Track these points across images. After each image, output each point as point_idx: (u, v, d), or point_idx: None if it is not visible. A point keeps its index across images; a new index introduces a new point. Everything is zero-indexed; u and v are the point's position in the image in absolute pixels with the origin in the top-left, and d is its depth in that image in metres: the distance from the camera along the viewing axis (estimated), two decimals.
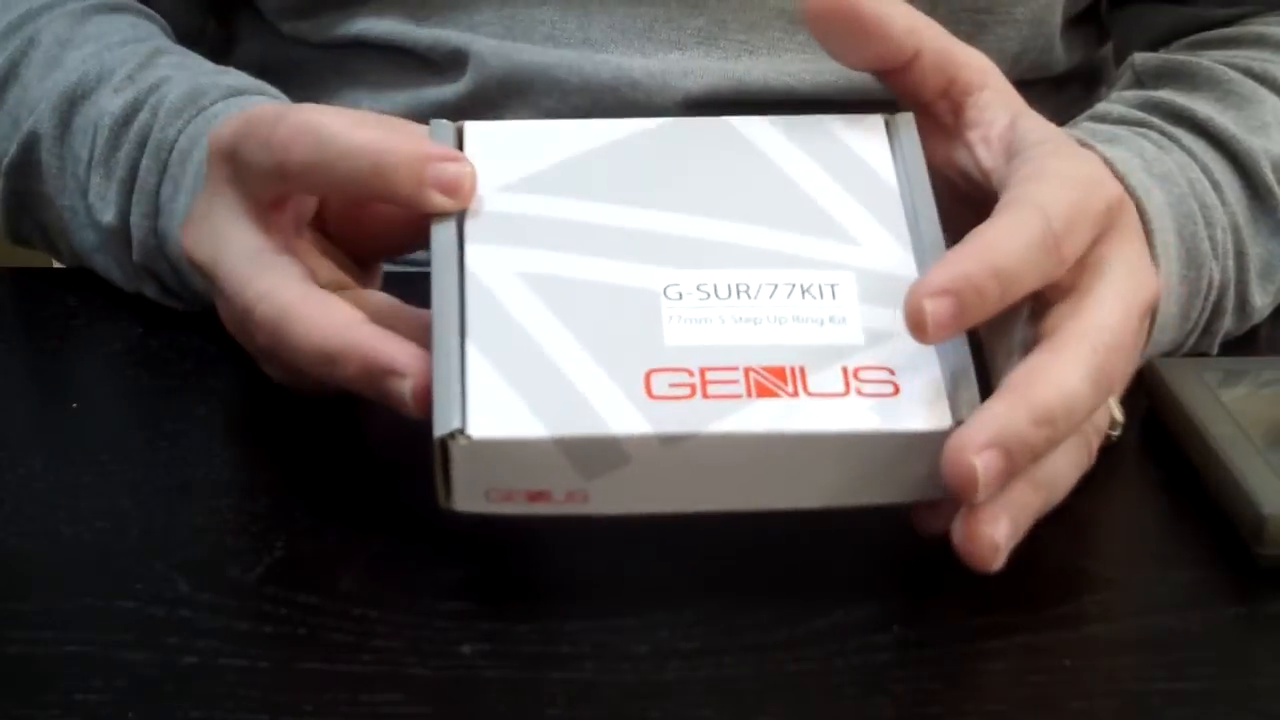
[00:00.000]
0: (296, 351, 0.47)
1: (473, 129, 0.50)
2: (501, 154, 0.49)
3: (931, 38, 0.50)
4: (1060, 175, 0.46)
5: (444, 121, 0.50)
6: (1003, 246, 0.44)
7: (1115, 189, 0.48)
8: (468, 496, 0.44)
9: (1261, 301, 0.59)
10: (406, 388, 0.45)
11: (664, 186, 0.48)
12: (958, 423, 0.43)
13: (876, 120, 0.50)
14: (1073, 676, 0.42)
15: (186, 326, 0.59)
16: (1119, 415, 0.49)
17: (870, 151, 0.49)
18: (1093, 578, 0.47)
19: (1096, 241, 0.46)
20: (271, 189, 0.49)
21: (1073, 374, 0.43)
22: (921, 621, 0.44)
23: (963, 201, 0.50)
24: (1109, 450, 0.49)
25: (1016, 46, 0.68)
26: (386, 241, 0.52)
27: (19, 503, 0.49)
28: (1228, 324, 0.58)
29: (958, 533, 0.43)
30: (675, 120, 0.50)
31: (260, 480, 0.51)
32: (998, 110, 0.50)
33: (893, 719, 0.41)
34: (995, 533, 0.43)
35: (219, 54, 0.69)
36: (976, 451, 0.42)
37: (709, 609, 0.44)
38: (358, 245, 0.52)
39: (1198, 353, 0.58)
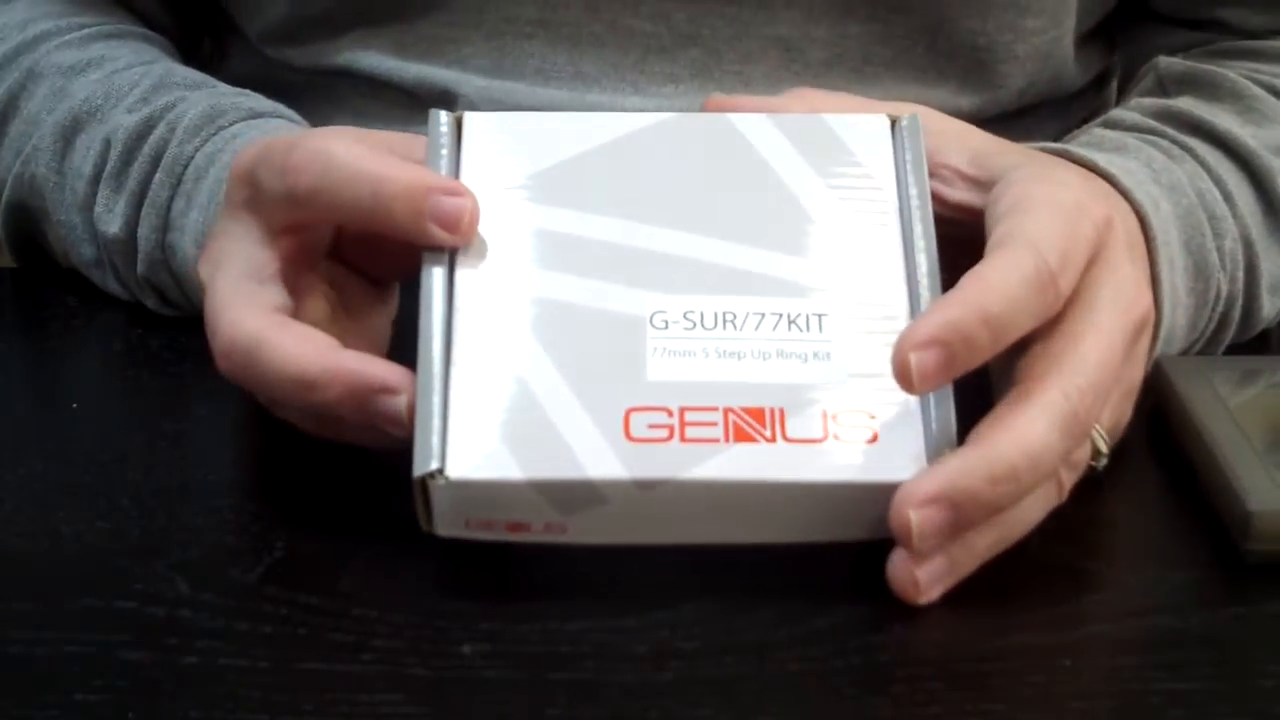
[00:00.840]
0: (266, 377, 0.46)
1: (472, 119, 0.50)
2: (500, 150, 0.49)
3: (830, 103, 0.51)
4: (1048, 204, 0.46)
5: (442, 111, 0.49)
6: (996, 289, 0.43)
7: (1100, 210, 0.47)
8: (448, 524, 0.44)
9: (1269, 314, 0.59)
10: (402, 404, 0.45)
11: (659, 196, 0.48)
12: None
13: (882, 121, 0.50)
14: (1073, 676, 0.42)
15: (186, 326, 0.59)
16: (1103, 446, 0.48)
17: (872, 157, 0.49)
18: (1093, 578, 0.47)
19: (1085, 268, 0.46)
20: (284, 215, 0.49)
21: (1038, 427, 0.43)
22: (921, 621, 0.44)
23: (946, 240, 0.49)
24: (1112, 450, 0.49)
25: (1021, 82, 0.67)
26: (402, 263, 0.51)
27: (19, 503, 0.49)
28: (1233, 334, 0.58)
29: (889, 562, 0.44)
30: (676, 117, 0.50)
31: (260, 480, 0.51)
32: (949, 150, 0.50)
33: (892, 719, 0.41)
34: (920, 570, 0.43)
35: (210, 70, 0.68)
36: (917, 506, 0.42)
37: (709, 609, 0.44)
38: (373, 268, 0.52)
39: None
